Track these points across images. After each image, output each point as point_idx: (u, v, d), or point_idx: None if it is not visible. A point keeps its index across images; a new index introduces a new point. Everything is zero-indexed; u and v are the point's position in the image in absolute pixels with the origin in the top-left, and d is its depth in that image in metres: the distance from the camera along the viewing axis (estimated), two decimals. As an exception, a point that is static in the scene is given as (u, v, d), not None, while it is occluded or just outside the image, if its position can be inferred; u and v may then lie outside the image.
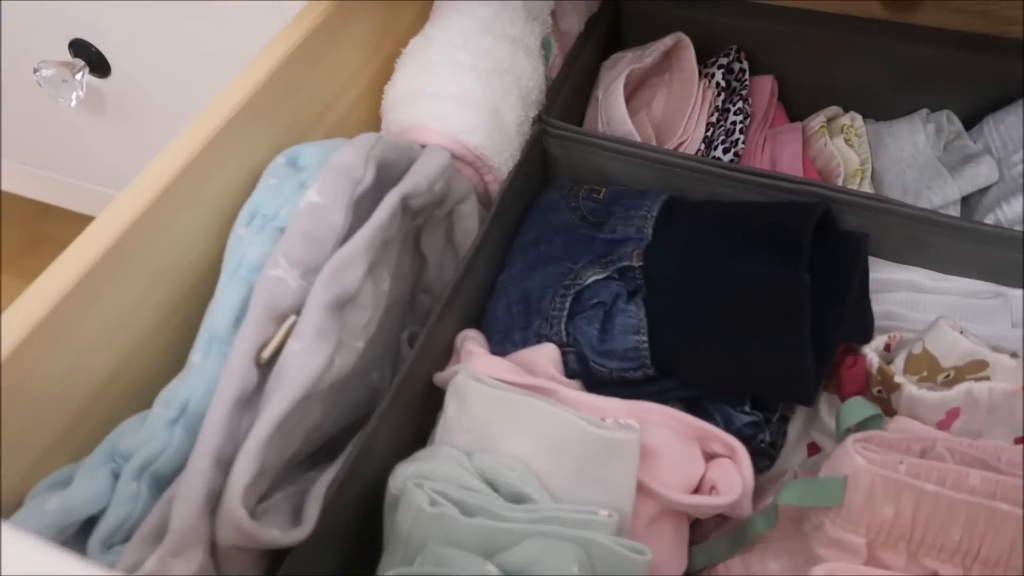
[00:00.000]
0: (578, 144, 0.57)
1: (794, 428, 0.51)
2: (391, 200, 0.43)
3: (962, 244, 0.51)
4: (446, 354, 0.49)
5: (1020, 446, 0.42)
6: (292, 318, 0.39)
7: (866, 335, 0.48)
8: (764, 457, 0.48)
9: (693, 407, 0.48)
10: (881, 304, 0.52)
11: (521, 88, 0.55)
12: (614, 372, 0.46)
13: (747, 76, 0.64)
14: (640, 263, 0.48)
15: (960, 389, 0.43)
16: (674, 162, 0.54)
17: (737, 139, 0.60)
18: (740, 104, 0.62)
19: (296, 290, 0.40)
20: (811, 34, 0.65)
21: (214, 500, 0.34)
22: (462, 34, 0.54)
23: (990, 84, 0.62)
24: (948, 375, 0.45)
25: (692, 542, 0.47)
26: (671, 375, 0.47)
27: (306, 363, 0.37)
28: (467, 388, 0.43)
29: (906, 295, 0.52)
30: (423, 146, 0.51)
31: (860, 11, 0.63)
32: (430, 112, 0.53)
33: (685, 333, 0.46)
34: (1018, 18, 0.60)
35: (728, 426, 0.46)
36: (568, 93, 0.62)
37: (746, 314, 0.45)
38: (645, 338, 0.45)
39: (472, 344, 0.48)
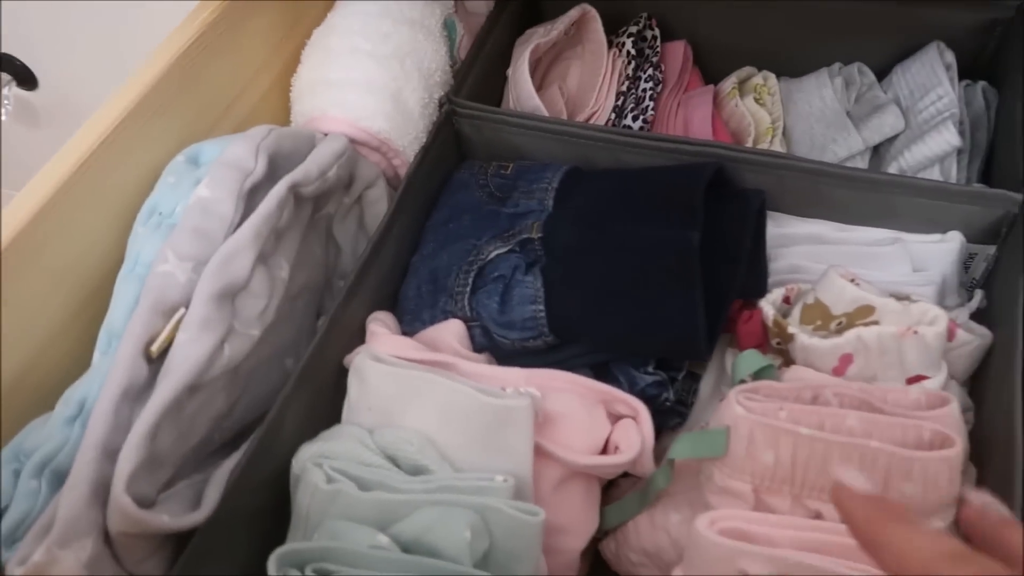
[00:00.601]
0: (487, 122, 0.58)
1: (707, 384, 0.52)
2: (278, 190, 0.44)
3: (859, 194, 0.51)
4: (358, 337, 0.50)
5: (906, 386, 0.43)
6: (181, 311, 0.40)
7: (761, 289, 0.49)
8: (673, 415, 0.49)
9: (600, 371, 0.49)
10: (786, 258, 0.53)
11: (423, 70, 0.56)
12: (516, 342, 0.47)
13: (658, 43, 0.65)
14: (540, 234, 0.49)
15: (851, 335, 0.44)
16: (578, 133, 0.55)
17: (647, 106, 0.61)
18: (651, 71, 0.63)
19: (185, 283, 0.41)
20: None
21: (105, 490, 0.35)
22: (361, 21, 0.55)
23: (899, 34, 0.62)
24: (840, 323, 0.46)
25: (609, 503, 0.48)
26: (574, 342, 0.48)
27: (190, 353, 0.38)
28: (365, 368, 0.44)
29: (810, 248, 0.53)
30: (327, 135, 0.52)
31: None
32: (332, 100, 0.53)
33: (581, 299, 0.46)
34: (920, -34, 0.60)
35: (632, 387, 0.47)
36: (481, 72, 0.63)
37: (639, 276, 0.46)
38: (542, 307, 0.46)
39: (376, 325, 0.49)
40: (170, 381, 0.37)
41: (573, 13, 0.62)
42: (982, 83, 0.60)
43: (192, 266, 0.42)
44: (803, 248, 0.53)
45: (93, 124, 0.46)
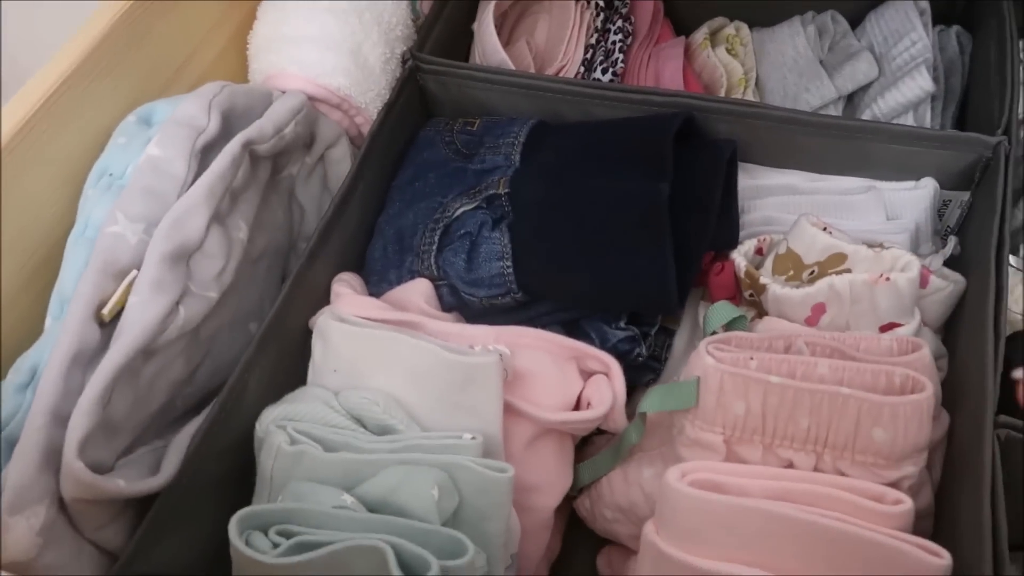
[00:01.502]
0: (452, 78, 0.56)
1: (681, 338, 0.51)
2: (232, 147, 0.42)
3: (832, 142, 0.50)
4: (323, 299, 0.49)
5: (879, 334, 0.43)
6: (133, 273, 0.39)
7: (733, 240, 0.48)
8: (647, 371, 0.49)
9: (571, 328, 0.48)
10: (759, 209, 0.52)
11: (383, 24, 0.54)
12: (483, 300, 0.46)
13: (628, -6, 0.63)
14: (506, 190, 0.48)
15: (822, 284, 0.44)
16: (545, 87, 0.54)
17: (616, 59, 0.59)
18: (620, 23, 0.61)
19: (136, 245, 0.39)
20: (691, -55, 0.64)
21: (57, 456, 0.34)
22: (317, -27, 0.53)
23: (872, -21, 0.61)
24: (812, 272, 0.45)
25: (584, 460, 0.48)
26: (543, 299, 0.47)
27: (142, 315, 0.37)
28: (329, 329, 0.43)
29: (783, 198, 0.52)
30: (284, 92, 0.50)
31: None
32: (289, 57, 0.52)
33: (549, 254, 0.46)
34: (890, -91, 0.59)
35: (604, 343, 0.47)
36: (446, 27, 0.61)
37: (607, 230, 0.45)
38: (509, 263, 0.45)
39: (340, 286, 0.47)
40: (121, 344, 0.36)
41: (537, -35, 0.60)
42: (956, 28, 0.59)
43: (144, 227, 0.40)
44: (776, 199, 0.53)
45: (33, 86, 0.44)
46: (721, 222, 0.47)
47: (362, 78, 0.52)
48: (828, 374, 0.38)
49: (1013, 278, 0.48)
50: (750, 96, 0.60)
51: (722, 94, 0.59)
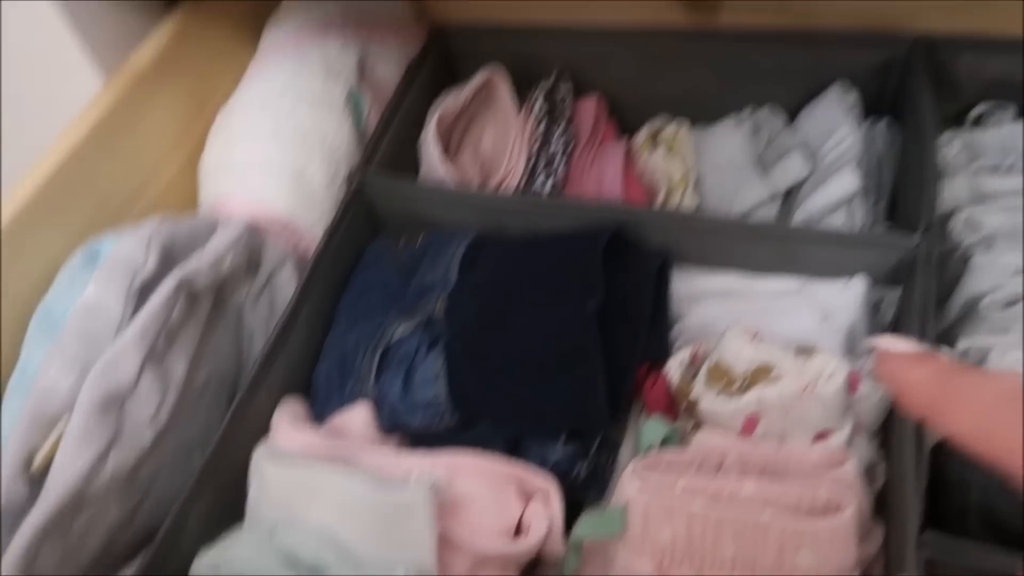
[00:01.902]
0: (398, 194, 0.58)
1: (627, 451, 0.51)
2: (165, 288, 0.43)
3: (761, 245, 0.51)
4: (268, 428, 0.49)
5: (809, 446, 0.43)
6: (63, 423, 0.39)
7: (664, 352, 0.48)
8: (591, 487, 0.49)
9: (513, 447, 0.48)
10: (698, 314, 0.53)
11: (326, 147, 0.56)
12: (420, 424, 0.47)
13: (570, 99, 0.65)
14: (444, 309, 0.49)
15: (752, 396, 0.44)
16: (483, 202, 0.55)
17: (558, 166, 0.61)
18: (563, 129, 0.63)
19: (68, 392, 0.40)
20: (629, 50, 0.66)
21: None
22: (261, 101, 0.55)
23: (805, 76, 0.63)
24: (743, 383, 0.46)
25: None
26: (480, 421, 0.47)
27: (68, 469, 0.37)
28: (262, 466, 0.43)
29: (720, 301, 0.53)
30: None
31: (668, 21, 0.64)
32: (235, 183, 0.53)
33: (482, 376, 0.46)
34: (815, 11, 0.61)
35: (544, 462, 0.47)
36: (395, 141, 0.63)
37: (538, 350, 0.45)
38: (444, 386, 0.46)
39: (280, 416, 0.48)
40: (44, 503, 0.36)
41: (477, 80, 0.62)
42: (886, 119, 0.60)
43: (78, 372, 0.41)
44: (714, 302, 0.53)
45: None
46: (652, 334, 0.48)
47: (306, 200, 0.54)
48: (754, 495, 0.39)
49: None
50: (690, 196, 0.61)
51: (662, 195, 0.61)
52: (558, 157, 0.61)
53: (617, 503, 0.40)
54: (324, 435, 0.46)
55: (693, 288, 0.54)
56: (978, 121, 0.61)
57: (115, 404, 0.41)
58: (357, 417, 0.48)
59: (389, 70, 0.64)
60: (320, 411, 0.50)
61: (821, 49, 0.61)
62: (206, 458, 0.44)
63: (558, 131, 0.62)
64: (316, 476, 0.42)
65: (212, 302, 0.49)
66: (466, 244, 0.52)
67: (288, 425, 0.47)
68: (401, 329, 0.49)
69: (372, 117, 0.62)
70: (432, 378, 0.46)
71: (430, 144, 0.59)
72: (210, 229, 0.50)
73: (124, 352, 0.41)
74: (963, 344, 0.51)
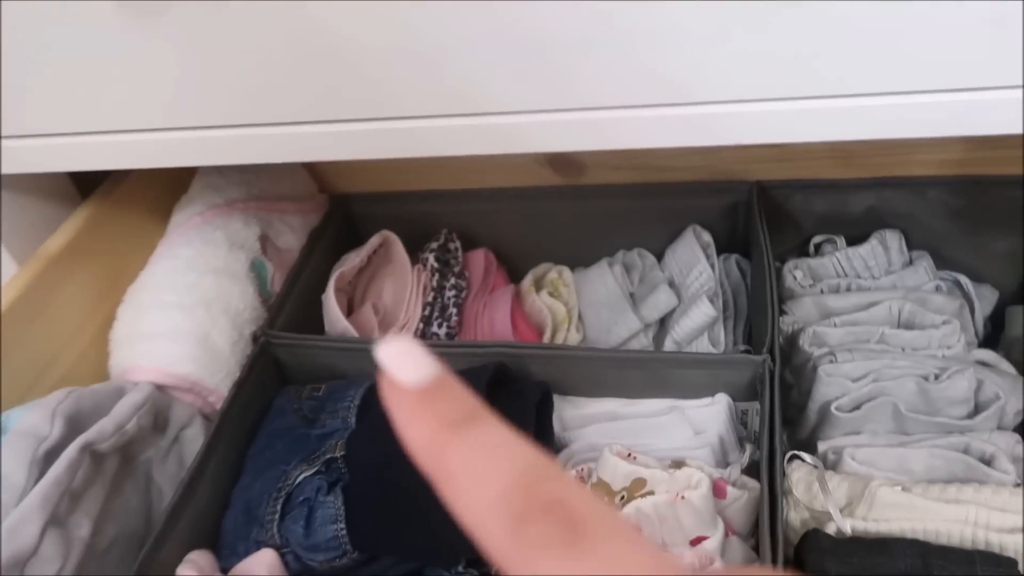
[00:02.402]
0: (301, 348, 0.62)
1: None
2: (68, 453, 0.46)
3: (632, 372, 0.57)
4: (176, 582, 0.50)
5: (686, 549, 0.47)
6: (-38, 592, 0.40)
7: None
8: (493, 610, 0.51)
9: (415, 577, 0.50)
10: (584, 437, 0.57)
11: (230, 311, 0.60)
12: (323, 563, 0.49)
13: (460, 253, 0.72)
14: (342, 453, 0.52)
15: (630, 509, 0.48)
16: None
17: (451, 313, 0.67)
18: (454, 280, 0.69)
19: (-31, 561, 0.41)
20: (511, 208, 0.74)
21: None
22: (167, 276, 0.60)
23: (666, 221, 0.72)
24: (622, 497, 0.50)
25: None
26: (380, 557, 0.49)
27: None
28: (163, 618, 0.44)
29: (604, 425, 0.58)
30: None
31: (542, 181, 0.73)
32: (143, 351, 0.57)
33: (380, 513, 0.49)
34: (667, 166, 0.70)
35: (445, 590, 0.49)
36: (301, 300, 0.68)
37: (427, 485, 0.48)
38: (343, 525, 0.48)
39: (185, 568, 0.49)
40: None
41: (374, 240, 0.69)
42: (736, 256, 0.69)
43: (-19, 542, 0.42)
44: (598, 426, 0.58)
45: None
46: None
47: (210, 362, 0.57)
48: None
49: (809, 475, 0.53)
50: (574, 332, 0.67)
51: (548, 333, 0.67)
52: (451, 305, 0.67)
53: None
54: (227, 585, 0.47)
55: (579, 414, 0.58)
56: (818, 250, 0.70)
57: (17, 567, 0.42)
58: (260, 563, 0.49)
59: (293, 238, 0.70)
60: (227, 560, 0.51)
61: (675, 198, 0.70)
62: (110, 617, 0.45)
63: (450, 282, 0.69)
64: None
65: (119, 462, 0.51)
66: (364, 390, 0.56)
67: (191, 577, 0.48)
68: (302, 474, 0.52)
69: (279, 282, 0.67)
70: (331, 518, 0.49)
71: (330, 300, 0.64)
72: (117, 395, 0.53)
73: (25, 517, 0.43)
74: (822, 447, 0.57)
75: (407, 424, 0.17)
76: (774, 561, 0.43)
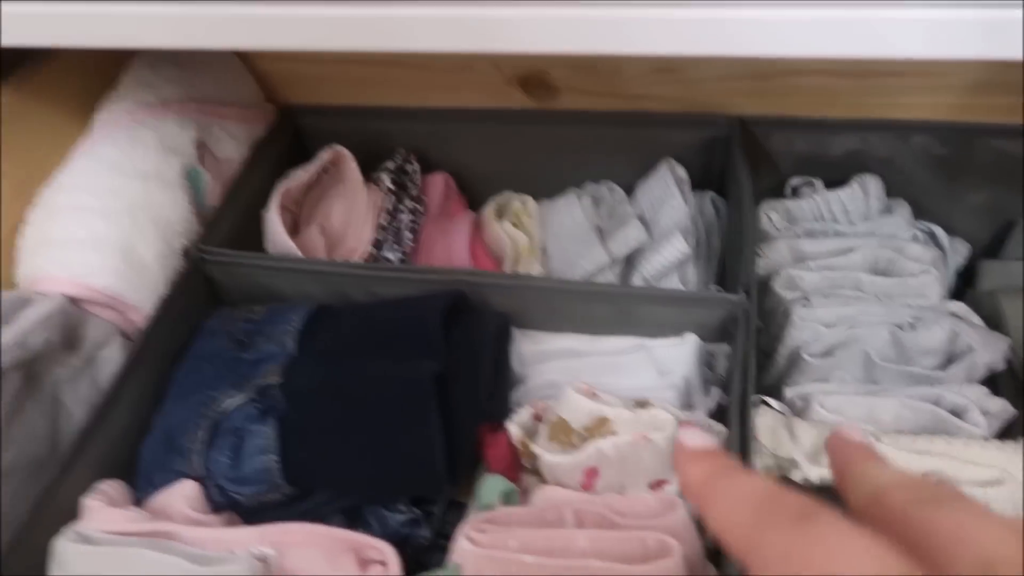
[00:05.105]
0: (238, 267, 0.57)
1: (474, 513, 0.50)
2: (-42, 363, 0.40)
3: (599, 306, 0.53)
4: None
5: (646, 494, 0.44)
6: None
7: (503, 412, 0.48)
8: (436, 550, 0.47)
9: (353, 515, 0.46)
10: (543, 374, 0.54)
11: (159, 223, 0.54)
12: (251, 497, 0.44)
13: (418, 176, 0.67)
14: (278, 380, 0.47)
15: (591, 448, 0.44)
16: (327, 270, 0.55)
17: (405, 238, 0.62)
18: (411, 204, 0.64)
19: None
20: (474, 129, 0.69)
21: None
22: (87, 177, 0.53)
23: (639, 153, 0.67)
24: (582, 436, 0.46)
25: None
26: (315, 491, 0.45)
27: None
28: (65, 552, 0.39)
29: (564, 362, 0.54)
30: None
31: (512, 103, 0.68)
32: (53, 259, 0.51)
33: (317, 445, 0.45)
34: (644, 95, 0.66)
35: (384, 529, 0.45)
36: (241, 216, 0.62)
37: (375, 415, 0.44)
38: (275, 456, 0.44)
39: (94, 498, 0.44)
40: None
41: (324, 155, 0.63)
42: (711, 193, 0.65)
43: None
44: (558, 363, 0.54)
45: None
46: (493, 394, 0.48)
47: (135, 276, 0.52)
48: (587, 546, 0.38)
49: (774, 422, 0.50)
50: (536, 264, 0.63)
51: (509, 263, 0.62)
52: (406, 230, 0.62)
53: (451, 561, 0.39)
54: (142, 515, 0.43)
55: (538, 350, 0.55)
56: (795, 192, 0.67)
57: None
58: (178, 496, 0.45)
59: (234, 148, 0.64)
60: (143, 490, 0.46)
61: (651, 129, 0.65)
62: (6, 544, 0.40)
63: (406, 205, 0.64)
64: (126, 557, 0.38)
65: (20, 381, 0.46)
66: (305, 315, 0.52)
67: (101, 506, 0.43)
68: (231, 401, 0.47)
69: (216, 195, 0.61)
70: (262, 448, 0.44)
71: (273, 218, 0.58)
72: (20, 304, 0.47)
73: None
74: (789, 393, 0.54)
75: (688, 464, 0.22)
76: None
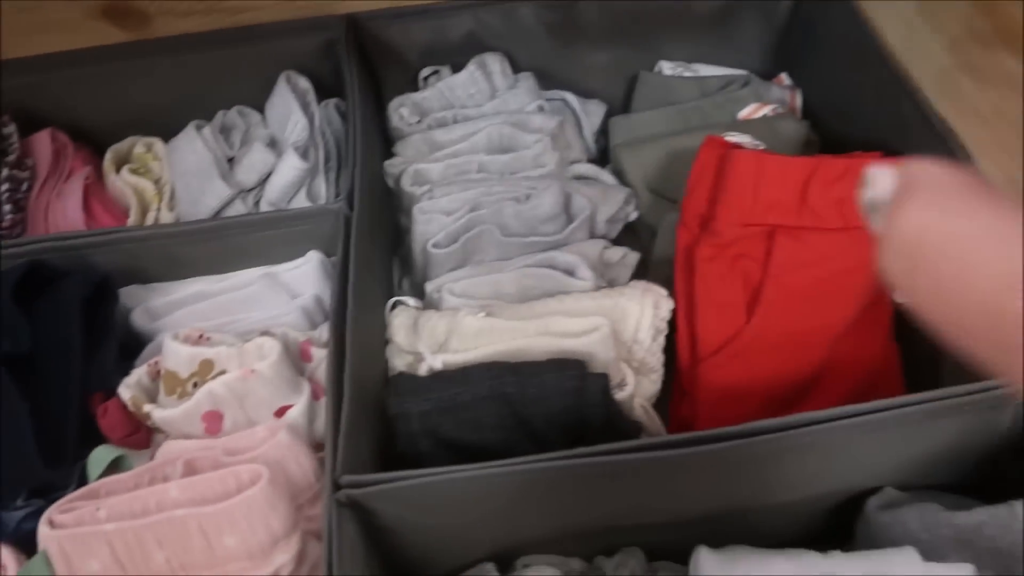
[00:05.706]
0: None
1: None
2: None
3: (210, 244, 0.52)
4: None
5: (254, 429, 0.44)
6: None
7: (107, 377, 0.46)
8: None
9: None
10: (175, 324, 0.51)
11: None
12: None
13: (16, 138, 0.60)
14: None
15: (200, 394, 0.44)
16: None
17: (5, 210, 0.56)
18: (8, 172, 0.58)
19: None
20: (73, 75, 0.62)
21: None
22: None
23: (258, 70, 0.63)
24: (195, 383, 0.46)
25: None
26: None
27: None
28: None
29: (196, 307, 0.52)
30: None
31: (106, 39, 0.62)
32: None
33: None
34: (245, 7, 0.62)
35: (7, 529, 0.43)
36: None
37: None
38: None
39: None
40: None
41: None
42: (335, 100, 0.63)
43: None
44: (188, 309, 0.52)
45: None
46: (92, 361, 0.46)
47: None
48: (179, 496, 0.38)
49: (408, 318, 0.52)
50: (166, 210, 0.59)
51: (134, 215, 0.58)
52: (4, 202, 0.56)
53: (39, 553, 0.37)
54: None
55: (167, 301, 0.52)
56: (427, 83, 0.67)
57: None
58: None
59: None
60: None
61: (260, 43, 0.62)
62: None
63: (1, 176, 0.57)
64: None
65: None
66: None
67: None
68: None
69: None
70: None
71: None
72: None
73: None
74: (429, 287, 0.55)
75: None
76: (336, 420, 0.40)
